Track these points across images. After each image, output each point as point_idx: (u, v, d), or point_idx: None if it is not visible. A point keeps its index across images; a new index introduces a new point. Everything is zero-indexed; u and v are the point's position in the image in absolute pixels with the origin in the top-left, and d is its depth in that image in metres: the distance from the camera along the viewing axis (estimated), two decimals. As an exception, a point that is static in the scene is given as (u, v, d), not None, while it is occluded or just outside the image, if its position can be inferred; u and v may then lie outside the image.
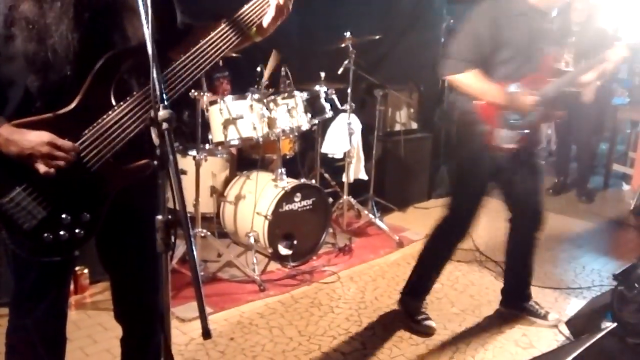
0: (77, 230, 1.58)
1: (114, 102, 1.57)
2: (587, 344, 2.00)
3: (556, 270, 3.91)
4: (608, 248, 4.49)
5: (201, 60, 1.62)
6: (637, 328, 2.40)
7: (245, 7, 1.69)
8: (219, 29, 1.65)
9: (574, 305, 3.39)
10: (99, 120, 1.56)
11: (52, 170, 1.50)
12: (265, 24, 1.70)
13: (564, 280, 3.78)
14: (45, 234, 1.54)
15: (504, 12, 2.76)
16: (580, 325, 2.97)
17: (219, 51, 1.65)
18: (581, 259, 3.98)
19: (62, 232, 1.56)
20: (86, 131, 1.55)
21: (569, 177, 6.02)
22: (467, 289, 3.63)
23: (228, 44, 1.66)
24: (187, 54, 1.61)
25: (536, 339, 3.04)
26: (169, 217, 1.35)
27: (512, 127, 2.84)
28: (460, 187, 3.15)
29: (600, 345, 2.09)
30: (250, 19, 1.68)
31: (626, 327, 2.50)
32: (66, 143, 1.52)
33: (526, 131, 2.87)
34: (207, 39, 1.63)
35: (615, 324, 2.43)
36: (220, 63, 3.94)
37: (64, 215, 1.56)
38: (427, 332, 3.05)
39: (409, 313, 3.16)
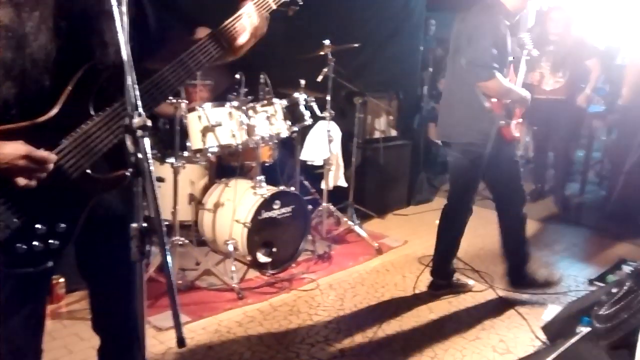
0: (51, 241, 1.55)
1: (92, 112, 1.56)
2: (562, 349, 2.03)
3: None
4: (584, 254, 4.55)
5: (181, 72, 1.62)
6: (608, 330, 2.43)
7: (225, 22, 1.69)
8: (201, 42, 1.65)
9: (551, 310, 3.43)
10: (77, 130, 1.54)
11: (31, 183, 1.48)
12: (240, 42, 1.71)
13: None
14: (18, 244, 1.50)
15: (501, 17, 3.21)
16: (556, 330, 2.99)
17: (199, 64, 1.65)
18: (558, 264, 4.02)
19: (35, 243, 1.52)
20: (64, 140, 1.53)
21: (546, 184, 6.10)
22: (445, 295, 3.64)
23: (208, 57, 1.66)
24: (168, 66, 1.61)
25: (513, 345, 3.06)
26: (144, 224, 1.34)
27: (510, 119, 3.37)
28: (469, 179, 3.48)
29: (574, 349, 2.11)
30: (230, 34, 1.69)
31: (598, 330, 2.53)
32: (44, 155, 1.49)
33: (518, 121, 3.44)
34: (188, 51, 1.63)
35: (590, 329, 2.45)
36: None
37: (38, 226, 1.53)
38: (469, 288, 3.69)
39: (447, 288, 3.62)
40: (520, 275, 3.66)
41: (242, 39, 1.71)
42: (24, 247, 1.51)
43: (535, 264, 3.78)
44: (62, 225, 1.56)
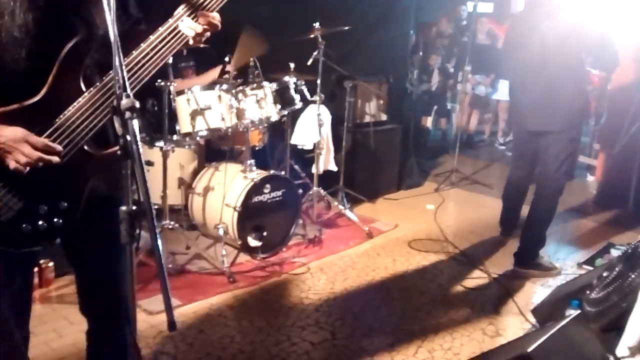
0: (55, 220, 1.57)
1: (84, 88, 1.55)
2: (552, 332, 2.04)
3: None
4: (572, 238, 4.58)
5: (163, 49, 1.60)
6: (598, 313, 2.45)
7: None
8: (176, 16, 1.62)
9: (540, 293, 3.46)
10: (70, 108, 1.53)
11: (22, 167, 1.47)
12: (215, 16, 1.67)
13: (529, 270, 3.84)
14: (24, 225, 1.53)
15: None
16: (546, 313, 3.02)
17: (180, 39, 1.62)
18: (546, 248, 4.05)
19: (40, 222, 1.55)
20: (57, 120, 1.53)
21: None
22: (436, 278, 3.66)
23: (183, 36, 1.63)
24: (148, 42, 1.58)
25: (502, 328, 3.09)
26: (133, 207, 1.33)
27: None
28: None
29: (564, 332, 2.13)
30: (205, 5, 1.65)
31: (588, 314, 2.55)
32: (41, 141, 1.49)
33: None
34: (166, 26, 1.60)
35: (579, 311, 2.47)
36: (185, 52, 3.88)
37: (41, 205, 1.55)
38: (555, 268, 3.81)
39: (535, 269, 3.74)
40: (530, 256, 3.78)
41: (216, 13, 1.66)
42: (29, 227, 1.54)
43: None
44: (64, 204, 1.58)
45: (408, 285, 3.56)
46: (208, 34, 1.69)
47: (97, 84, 1.55)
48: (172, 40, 1.62)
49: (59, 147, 1.52)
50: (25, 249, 1.56)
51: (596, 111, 6.63)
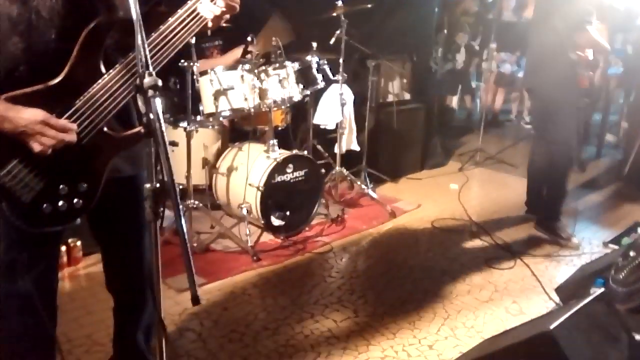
0: (75, 200, 1.60)
1: (103, 70, 1.56)
2: (575, 309, 2.03)
3: (547, 238, 3.93)
4: (599, 216, 4.53)
5: (182, 31, 1.60)
6: (627, 294, 2.43)
7: None
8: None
9: (565, 272, 3.43)
10: (90, 90, 1.55)
11: (46, 149, 1.49)
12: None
13: (554, 248, 3.82)
14: (45, 205, 1.56)
15: None
16: (570, 291, 3.00)
17: (199, 21, 1.62)
18: (573, 227, 4.01)
19: (60, 203, 1.58)
20: (77, 101, 1.54)
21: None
22: (458, 257, 3.66)
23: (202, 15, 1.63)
24: (167, 24, 1.58)
25: (526, 306, 3.08)
26: (157, 186, 1.35)
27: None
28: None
29: (587, 310, 2.11)
30: None
31: (615, 294, 2.53)
32: (59, 122, 1.51)
33: None
34: (185, 8, 1.61)
35: (603, 289, 2.45)
36: (209, 33, 3.88)
37: (61, 186, 1.58)
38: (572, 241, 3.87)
39: (551, 234, 3.92)
40: (553, 215, 3.96)
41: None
42: (50, 207, 1.57)
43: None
44: (85, 185, 1.60)
45: (430, 264, 3.56)
46: (228, 15, 1.69)
47: (117, 65, 1.56)
48: (191, 23, 1.62)
49: (75, 127, 1.53)
50: (46, 228, 1.59)
51: (627, 89, 6.51)
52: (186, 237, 1.28)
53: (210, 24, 1.67)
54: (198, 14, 1.62)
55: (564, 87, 3.77)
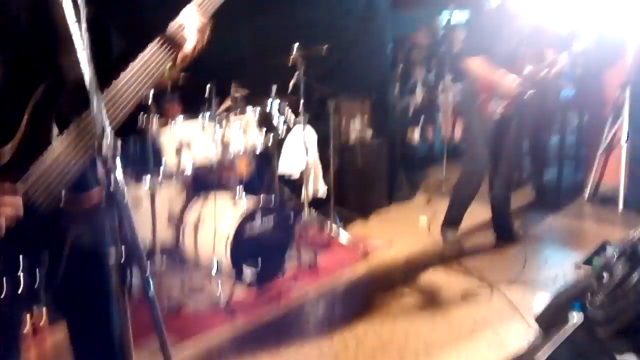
0: (37, 274, 1.49)
1: (56, 133, 1.49)
2: (558, 342, 2.01)
3: (519, 267, 3.93)
4: (567, 239, 4.57)
5: (140, 84, 1.53)
6: (606, 318, 2.42)
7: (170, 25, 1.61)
8: (149, 48, 1.56)
9: (541, 299, 3.42)
10: (43, 156, 1.46)
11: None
12: (188, 46, 1.61)
13: (528, 276, 3.81)
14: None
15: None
16: (549, 319, 2.98)
17: (156, 72, 1.56)
18: (543, 252, 4.03)
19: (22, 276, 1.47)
20: (31, 168, 1.46)
21: (523, 172, 6.12)
22: (435, 293, 3.62)
23: (160, 63, 1.56)
24: (120, 78, 1.51)
25: (507, 337, 3.04)
26: (122, 252, 1.28)
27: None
28: None
29: (569, 339, 2.09)
30: (178, 36, 1.59)
31: (594, 318, 2.52)
32: (8, 199, 1.40)
33: None
34: (138, 59, 1.54)
35: (582, 315, 2.44)
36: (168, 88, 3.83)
37: (19, 274, 1.46)
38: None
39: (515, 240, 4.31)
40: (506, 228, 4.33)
41: (190, 43, 1.60)
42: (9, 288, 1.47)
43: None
44: (45, 263, 1.49)
45: (407, 302, 3.51)
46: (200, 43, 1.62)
47: (71, 127, 1.47)
48: (146, 73, 1.55)
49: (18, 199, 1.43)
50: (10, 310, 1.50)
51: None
52: (157, 307, 1.21)
53: (166, 73, 1.59)
54: (153, 63, 1.55)
55: (467, 111, 4.25)
